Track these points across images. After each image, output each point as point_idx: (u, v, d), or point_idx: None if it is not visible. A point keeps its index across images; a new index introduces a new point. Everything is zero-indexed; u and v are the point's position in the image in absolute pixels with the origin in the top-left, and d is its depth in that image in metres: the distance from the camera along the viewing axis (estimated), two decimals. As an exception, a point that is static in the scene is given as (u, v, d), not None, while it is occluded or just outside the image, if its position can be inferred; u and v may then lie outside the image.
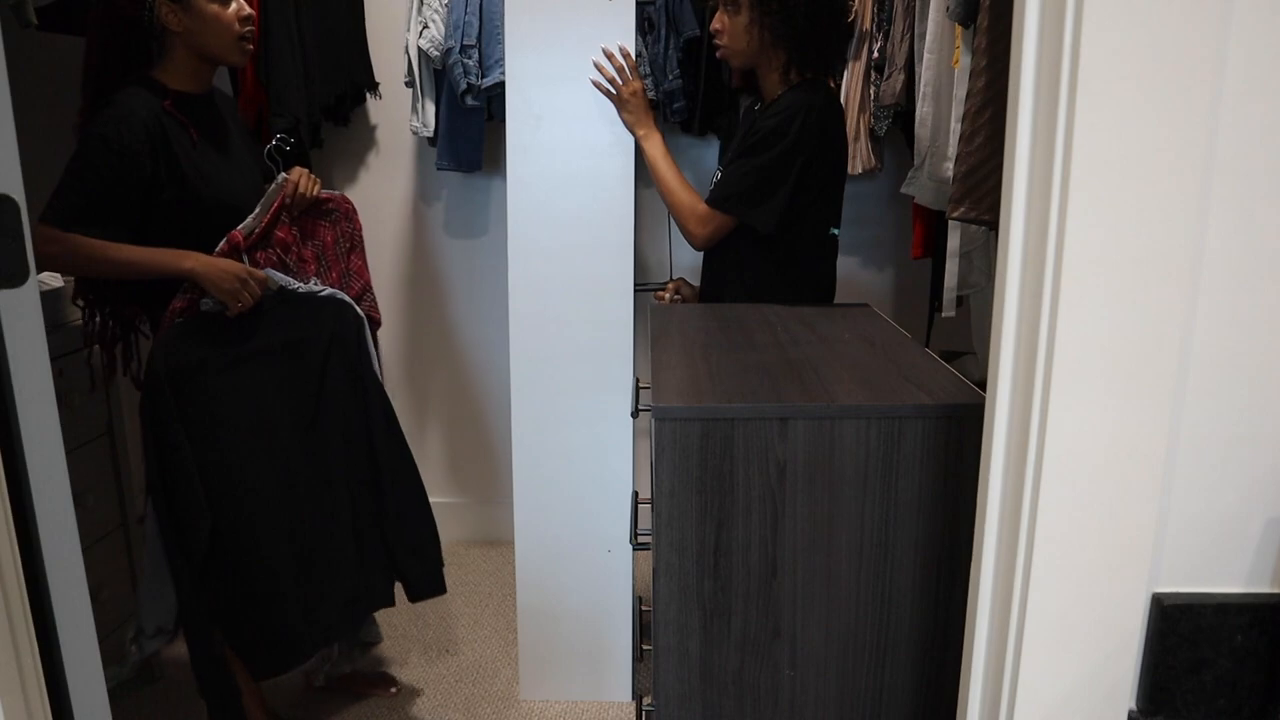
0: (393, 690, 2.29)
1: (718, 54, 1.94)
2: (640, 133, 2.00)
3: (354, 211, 2.04)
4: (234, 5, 1.74)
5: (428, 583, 1.98)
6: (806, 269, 1.95)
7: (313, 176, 1.90)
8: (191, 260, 1.69)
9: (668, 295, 2.17)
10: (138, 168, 1.68)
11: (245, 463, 1.78)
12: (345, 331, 1.90)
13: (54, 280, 2.06)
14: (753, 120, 1.93)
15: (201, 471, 1.73)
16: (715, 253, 2.00)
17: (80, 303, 1.88)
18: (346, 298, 1.93)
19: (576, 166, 2.05)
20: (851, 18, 2.23)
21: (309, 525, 1.85)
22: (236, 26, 1.74)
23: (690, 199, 1.93)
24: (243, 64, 1.83)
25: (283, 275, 1.83)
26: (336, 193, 2.02)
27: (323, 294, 1.89)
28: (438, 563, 1.99)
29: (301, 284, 1.86)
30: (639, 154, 2.02)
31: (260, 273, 1.76)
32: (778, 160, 1.81)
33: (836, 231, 1.97)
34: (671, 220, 2.04)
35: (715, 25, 1.90)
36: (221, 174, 1.82)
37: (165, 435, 1.70)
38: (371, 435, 1.93)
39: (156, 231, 1.73)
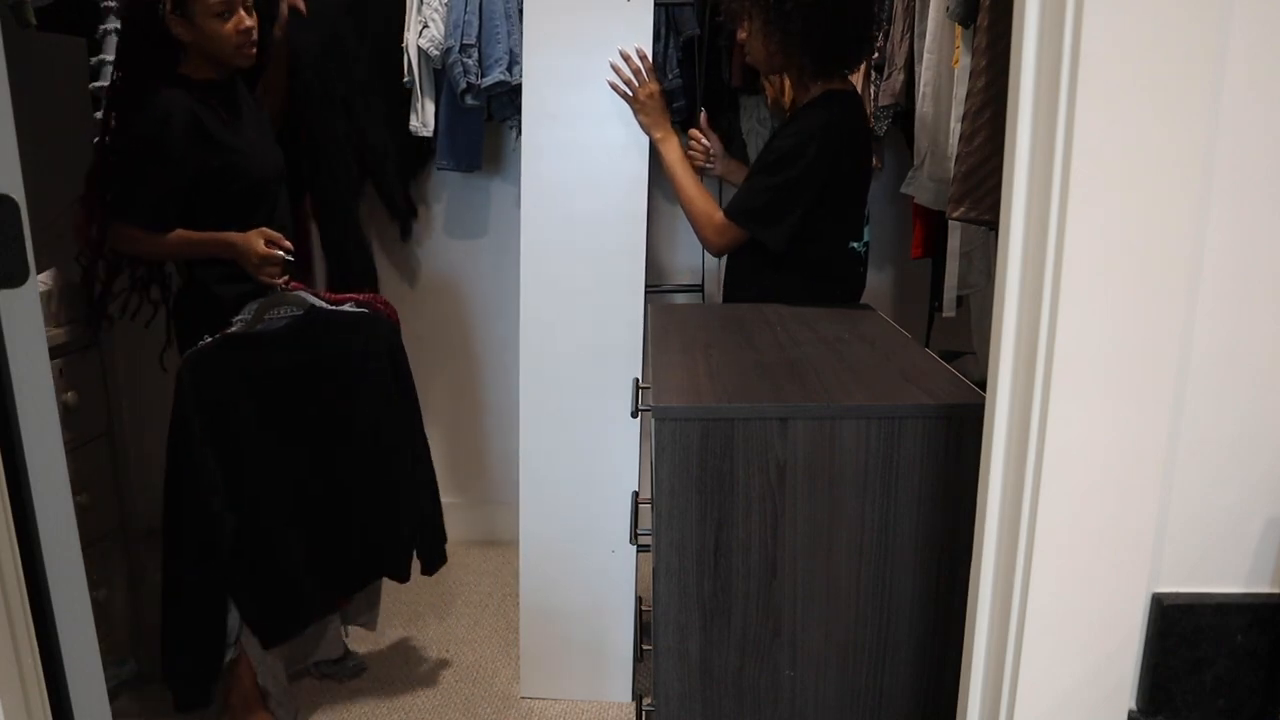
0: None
1: (747, 60, 1.94)
2: (657, 135, 1.99)
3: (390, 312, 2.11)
4: (233, 20, 1.84)
5: (436, 556, 2.22)
6: (826, 281, 1.94)
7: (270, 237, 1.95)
8: (230, 237, 1.88)
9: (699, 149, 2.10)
10: (182, 161, 1.85)
11: (264, 474, 1.92)
12: (377, 347, 2.04)
13: (53, 280, 2.05)
14: (775, 129, 1.91)
15: (224, 482, 1.88)
16: (737, 259, 2.00)
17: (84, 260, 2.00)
18: (378, 313, 2.04)
19: (591, 167, 2.04)
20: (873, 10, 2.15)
21: (323, 520, 2.01)
22: (235, 39, 1.85)
23: (707, 207, 1.92)
24: (247, 65, 1.93)
25: (312, 295, 1.95)
26: (372, 296, 2.10)
27: (353, 313, 2.00)
28: (442, 539, 2.23)
29: (328, 303, 1.98)
30: (653, 155, 2.02)
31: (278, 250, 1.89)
32: (792, 183, 1.81)
33: (856, 245, 1.96)
34: (685, 223, 2.03)
35: (740, 36, 1.92)
36: (254, 150, 1.96)
37: (191, 459, 1.83)
38: (403, 436, 2.11)
39: (205, 210, 1.90)
